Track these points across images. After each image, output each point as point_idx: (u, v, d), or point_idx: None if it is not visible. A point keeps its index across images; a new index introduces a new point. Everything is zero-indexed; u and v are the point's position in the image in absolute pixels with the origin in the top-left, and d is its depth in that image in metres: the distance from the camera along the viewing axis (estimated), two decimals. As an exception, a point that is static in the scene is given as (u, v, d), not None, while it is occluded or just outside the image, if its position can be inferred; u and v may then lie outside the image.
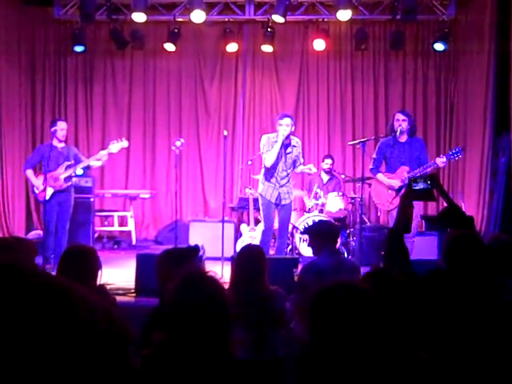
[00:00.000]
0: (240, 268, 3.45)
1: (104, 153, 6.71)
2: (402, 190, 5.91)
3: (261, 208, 6.37)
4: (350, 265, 4.17)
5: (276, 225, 6.63)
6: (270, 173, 6.15)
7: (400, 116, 6.17)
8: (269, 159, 6.04)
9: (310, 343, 1.65)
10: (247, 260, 3.47)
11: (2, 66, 8.48)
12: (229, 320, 1.89)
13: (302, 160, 6.35)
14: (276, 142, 6.01)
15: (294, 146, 6.20)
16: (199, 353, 1.81)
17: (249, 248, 3.82)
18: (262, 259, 3.51)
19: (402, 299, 2.07)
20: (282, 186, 6.17)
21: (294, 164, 6.24)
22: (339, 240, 7.43)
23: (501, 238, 3.54)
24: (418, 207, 6.26)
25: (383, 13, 8.49)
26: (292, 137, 6.19)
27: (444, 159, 6.04)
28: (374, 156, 6.33)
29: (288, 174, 6.21)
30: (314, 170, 6.46)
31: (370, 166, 6.32)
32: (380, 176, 6.24)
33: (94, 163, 6.72)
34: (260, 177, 6.42)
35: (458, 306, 2.44)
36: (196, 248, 3.29)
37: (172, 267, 2.92)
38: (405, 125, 6.08)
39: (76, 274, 2.80)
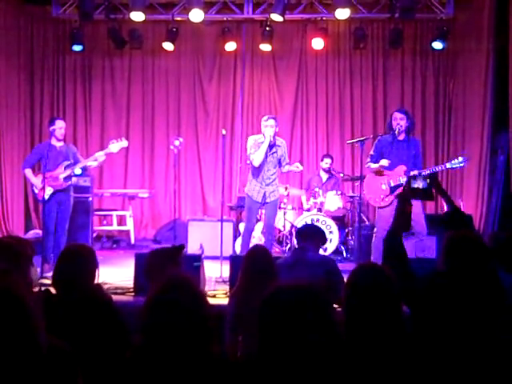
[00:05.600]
0: (251, 269, 3.46)
1: (101, 153, 6.63)
2: (398, 190, 5.91)
3: (245, 208, 6.59)
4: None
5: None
6: (256, 172, 6.39)
7: (398, 115, 6.09)
8: (257, 159, 6.27)
9: (258, 344, 1.74)
10: (259, 261, 3.49)
11: (1, 65, 8.47)
12: (208, 322, 1.90)
13: (287, 160, 6.57)
14: (262, 142, 6.26)
15: (279, 146, 6.42)
16: (179, 354, 1.83)
17: (258, 248, 3.82)
18: (271, 259, 3.54)
19: (391, 292, 2.08)
20: (268, 185, 6.39)
21: (280, 163, 6.46)
22: (338, 239, 7.50)
23: (502, 234, 3.53)
24: (418, 207, 6.21)
25: (382, 11, 8.48)
26: (277, 137, 6.42)
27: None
28: (372, 153, 6.21)
29: (274, 173, 6.44)
30: (301, 167, 6.61)
31: (368, 160, 6.18)
32: (372, 164, 6.12)
33: (92, 163, 6.64)
34: (248, 176, 6.60)
35: (458, 307, 2.43)
36: (181, 246, 3.30)
37: (159, 267, 2.93)
38: (403, 123, 6.00)
39: (74, 274, 2.80)
